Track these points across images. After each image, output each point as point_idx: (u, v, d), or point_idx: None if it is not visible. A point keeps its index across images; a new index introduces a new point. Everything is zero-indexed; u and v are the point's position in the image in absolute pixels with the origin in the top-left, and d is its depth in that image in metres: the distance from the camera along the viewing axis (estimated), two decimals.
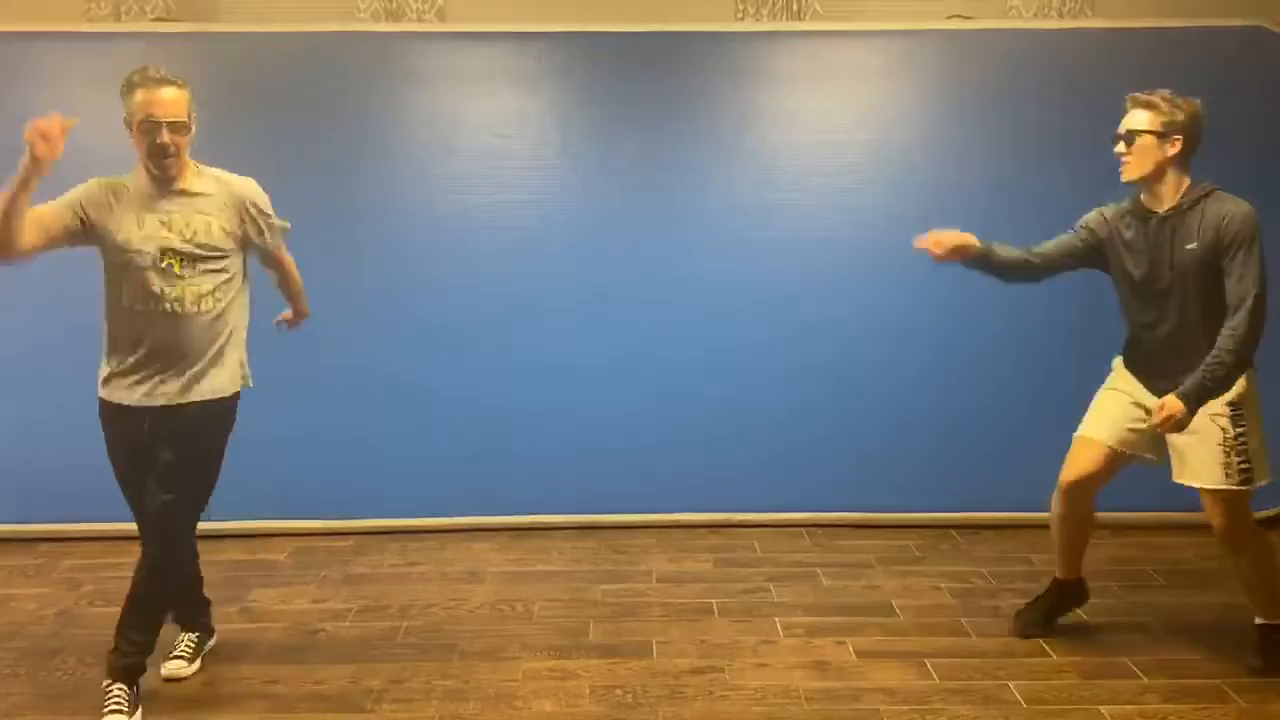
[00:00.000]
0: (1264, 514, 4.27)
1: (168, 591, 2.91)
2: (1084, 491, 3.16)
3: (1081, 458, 3.13)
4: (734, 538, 4.19)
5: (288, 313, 3.26)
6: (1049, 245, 3.16)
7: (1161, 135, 2.89)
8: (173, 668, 3.04)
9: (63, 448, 4.18)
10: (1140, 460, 3.11)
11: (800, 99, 4.24)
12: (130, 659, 2.82)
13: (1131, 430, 3.07)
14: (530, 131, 4.20)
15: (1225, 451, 2.88)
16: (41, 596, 3.65)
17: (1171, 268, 2.89)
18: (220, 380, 2.91)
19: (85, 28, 4.27)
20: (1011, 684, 2.96)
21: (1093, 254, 3.10)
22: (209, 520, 4.17)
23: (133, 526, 4.14)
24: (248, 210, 2.89)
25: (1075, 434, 3.18)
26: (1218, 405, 2.87)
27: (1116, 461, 3.11)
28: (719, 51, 4.24)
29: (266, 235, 2.95)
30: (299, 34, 4.22)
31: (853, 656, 3.14)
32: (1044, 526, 4.15)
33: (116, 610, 3.47)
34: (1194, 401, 2.79)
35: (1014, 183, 4.13)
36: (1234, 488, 2.89)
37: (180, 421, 2.82)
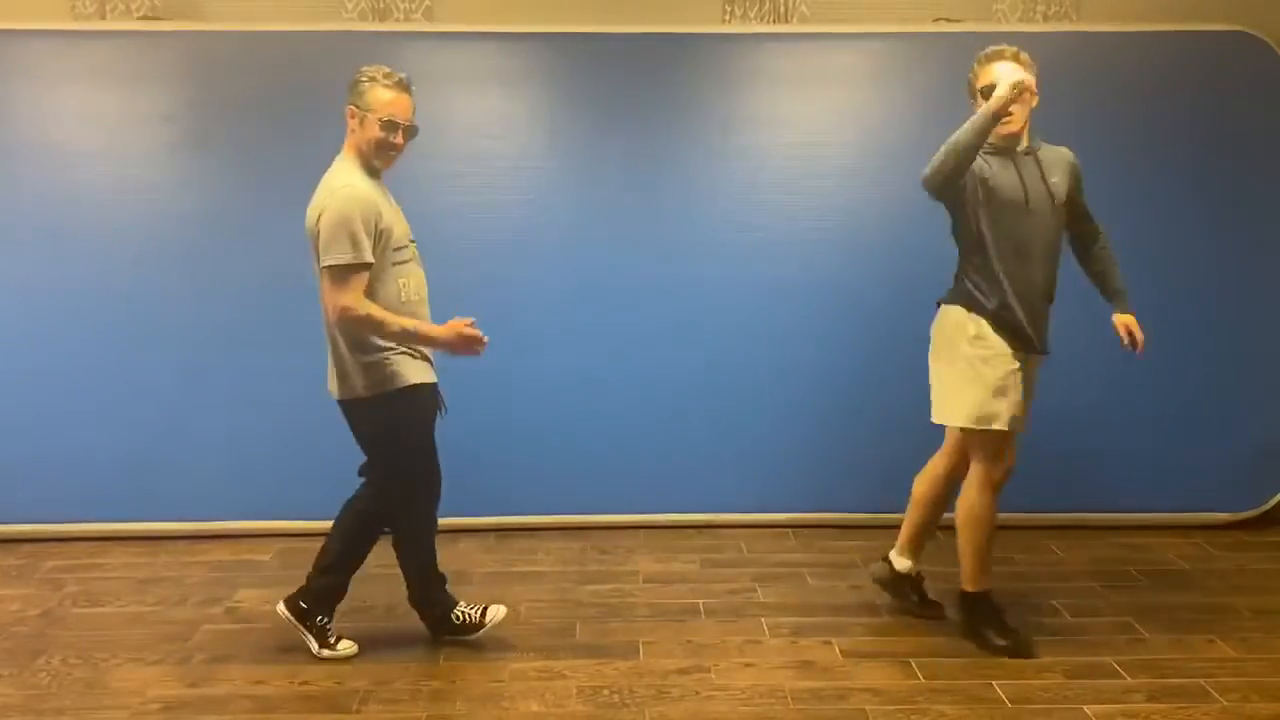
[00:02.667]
0: (1248, 514, 4.33)
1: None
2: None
3: (1012, 454, 3.23)
4: (720, 538, 4.20)
5: None
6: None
7: (1032, 88, 3.05)
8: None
9: (45, 447, 4.16)
10: None
11: (787, 101, 4.25)
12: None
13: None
14: (517, 132, 4.20)
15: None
16: (24, 597, 3.63)
17: (1051, 195, 3.11)
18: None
19: (70, 25, 4.24)
20: (996, 683, 2.97)
21: (961, 179, 3.05)
22: (193, 520, 4.20)
23: (116, 527, 4.16)
24: None
25: (1001, 429, 3.10)
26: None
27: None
28: (706, 53, 4.25)
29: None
30: (285, 33, 4.21)
31: (839, 656, 3.16)
32: (1027, 527, 4.22)
33: (100, 611, 3.50)
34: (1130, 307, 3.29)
35: None
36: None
37: None
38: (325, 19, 4.36)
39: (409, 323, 2.91)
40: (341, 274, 2.83)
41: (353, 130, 2.96)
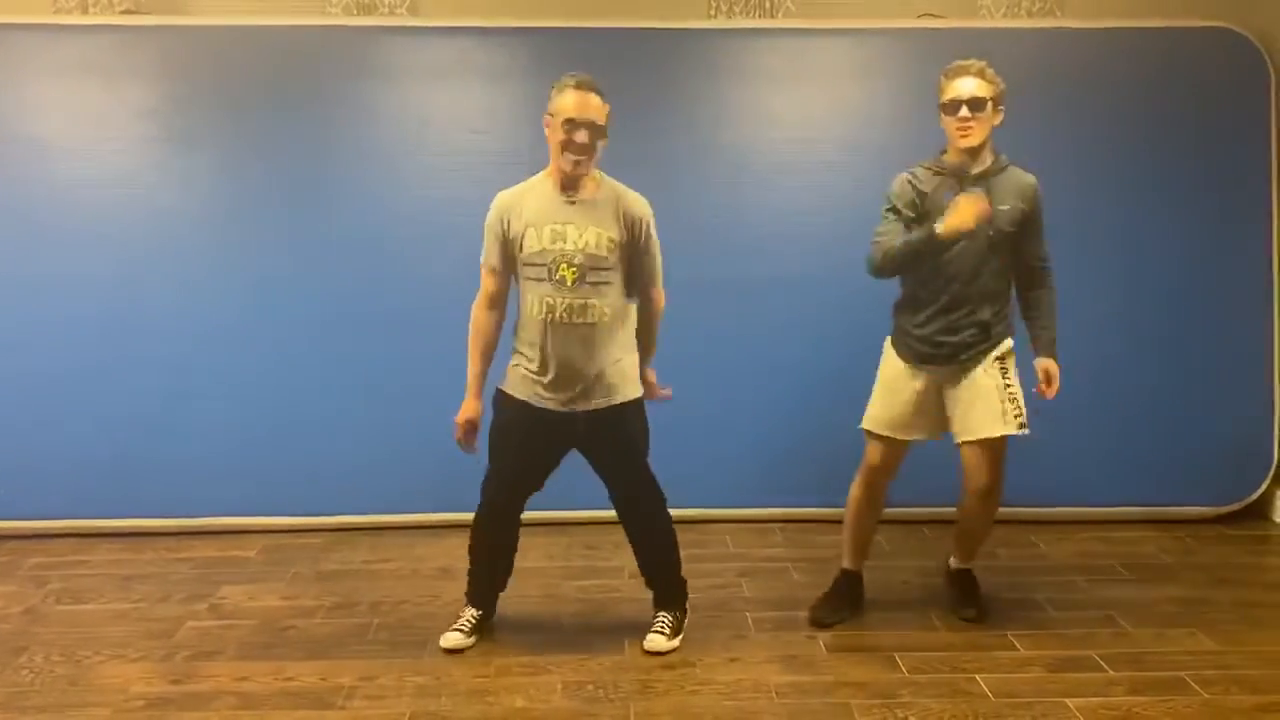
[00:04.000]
0: (1229, 508, 4.35)
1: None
2: (885, 482, 3.35)
3: (883, 452, 3.29)
4: (706, 534, 4.20)
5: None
6: (893, 242, 3.14)
7: (995, 103, 3.07)
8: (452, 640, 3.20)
9: (28, 444, 4.14)
10: (919, 442, 3.29)
11: (773, 96, 4.25)
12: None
13: (915, 417, 3.24)
14: (502, 127, 4.19)
15: (1002, 401, 3.13)
16: (7, 594, 3.61)
17: (990, 226, 3.03)
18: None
19: (52, 20, 4.21)
20: (979, 677, 2.99)
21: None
22: (177, 517, 4.19)
23: (99, 524, 4.14)
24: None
25: (868, 428, 3.30)
26: (989, 362, 3.15)
27: (905, 450, 3.31)
28: (691, 49, 4.25)
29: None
30: (269, 28, 4.19)
31: (823, 651, 3.17)
32: (1011, 522, 4.23)
33: (83, 608, 3.48)
34: (1054, 354, 3.21)
35: None
36: (1015, 432, 3.13)
37: None
38: (309, 13, 4.33)
39: (473, 365, 3.13)
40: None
41: (548, 137, 2.97)
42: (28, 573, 3.82)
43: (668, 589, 3.28)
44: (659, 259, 3.09)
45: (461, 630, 3.20)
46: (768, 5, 4.43)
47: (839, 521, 4.23)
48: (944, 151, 3.17)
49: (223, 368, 4.17)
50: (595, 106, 2.90)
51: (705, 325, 4.26)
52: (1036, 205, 3.14)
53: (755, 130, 4.25)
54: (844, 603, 3.41)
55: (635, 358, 3.12)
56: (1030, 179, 3.14)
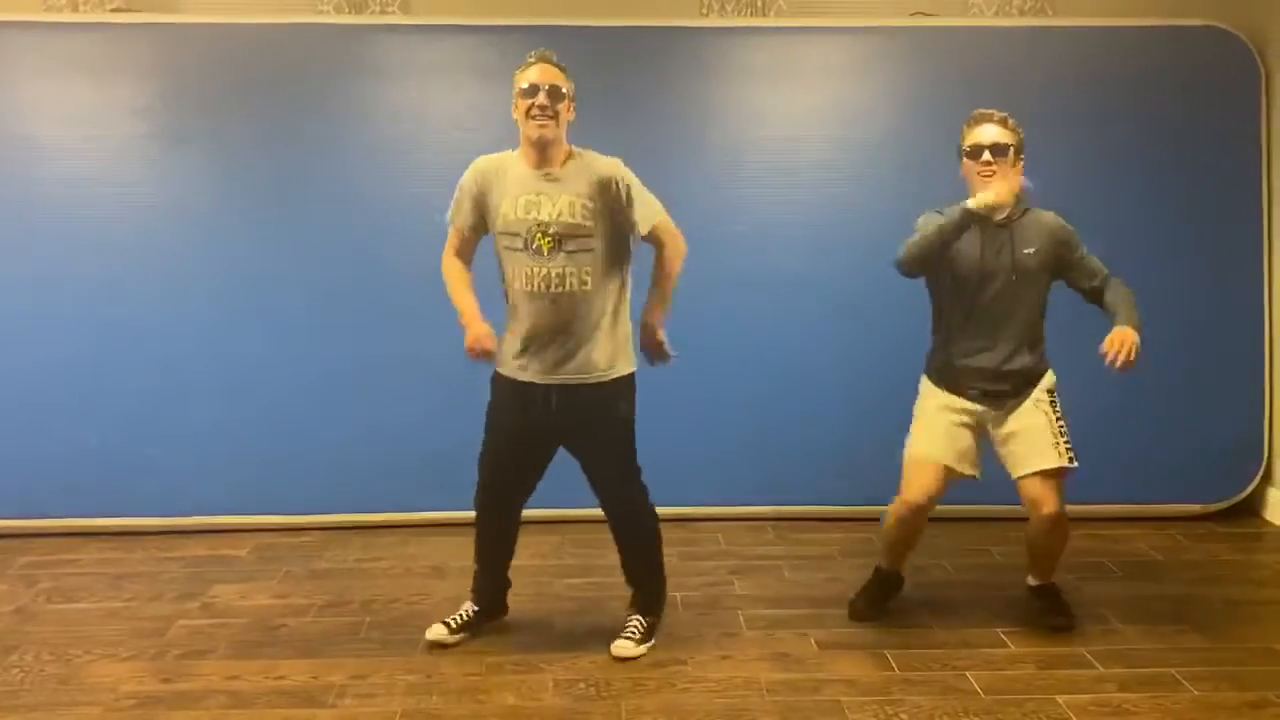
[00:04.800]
0: (1219, 506, 4.37)
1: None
2: (928, 508, 3.23)
3: (926, 479, 3.20)
4: (697, 531, 4.20)
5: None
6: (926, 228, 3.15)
7: (1016, 151, 3.12)
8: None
9: (18, 442, 4.13)
10: (961, 477, 3.23)
11: (764, 95, 4.26)
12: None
13: (961, 447, 3.21)
14: (493, 125, 4.17)
15: (1054, 435, 3.16)
16: None
17: (1013, 269, 3.10)
18: None
19: (43, 17, 4.20)
20: (970, 674, 2.99)
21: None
22: (168, 516, 4.18)
23: (90, 523, 4.13)
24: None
25: (910, 453, 3.24)
26: (1040, 394, 3.19)
27: (950, 478, 3.22)
28: (683, 47, 4.25)
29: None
30: (260, 25, 4.18)
31: (814, 648, 3.17)
32: (1003, 519, 4.23)
33: (75, 607, 3.48)
34: (1138, 329, 3.06)
35: None
36: (1068, 465, 3.14)
37: None
38: (301, 11, 4.33)
39: (462, 300, 3.08)
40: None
41: (516, 120, 3.00)
42: (18, 571, 3.81)
43: (647, 592, 3.26)
44: (654, 204, 3.08)
45: (447, 625, 3.18)
46: (759, 3, 4.43)
47: (831, 519, 4.26)
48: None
49: (214, 365, 4.17)
50: (555, 74, 2.93)
51: (698, 322, 4.24)
52: (1068, 238, 3.17)
53: (747, 128, 4.25)
54: (886, 600, 3.44)
55: (627, 331, 3.10)
56: (1052, 218, 3.17)
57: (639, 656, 3.10)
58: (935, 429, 3.23)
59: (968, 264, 3.12)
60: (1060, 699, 2.85)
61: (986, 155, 3.09)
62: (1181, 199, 4.28)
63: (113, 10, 4.25)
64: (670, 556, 3.90)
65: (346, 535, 4.16)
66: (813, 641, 3.21)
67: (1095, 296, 3.23)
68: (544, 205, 2.93)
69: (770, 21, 4.38)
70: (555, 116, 2.91)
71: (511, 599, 3.51)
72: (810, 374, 4.27)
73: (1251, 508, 4.41)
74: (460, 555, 3.93)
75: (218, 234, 4.16)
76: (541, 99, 2.89)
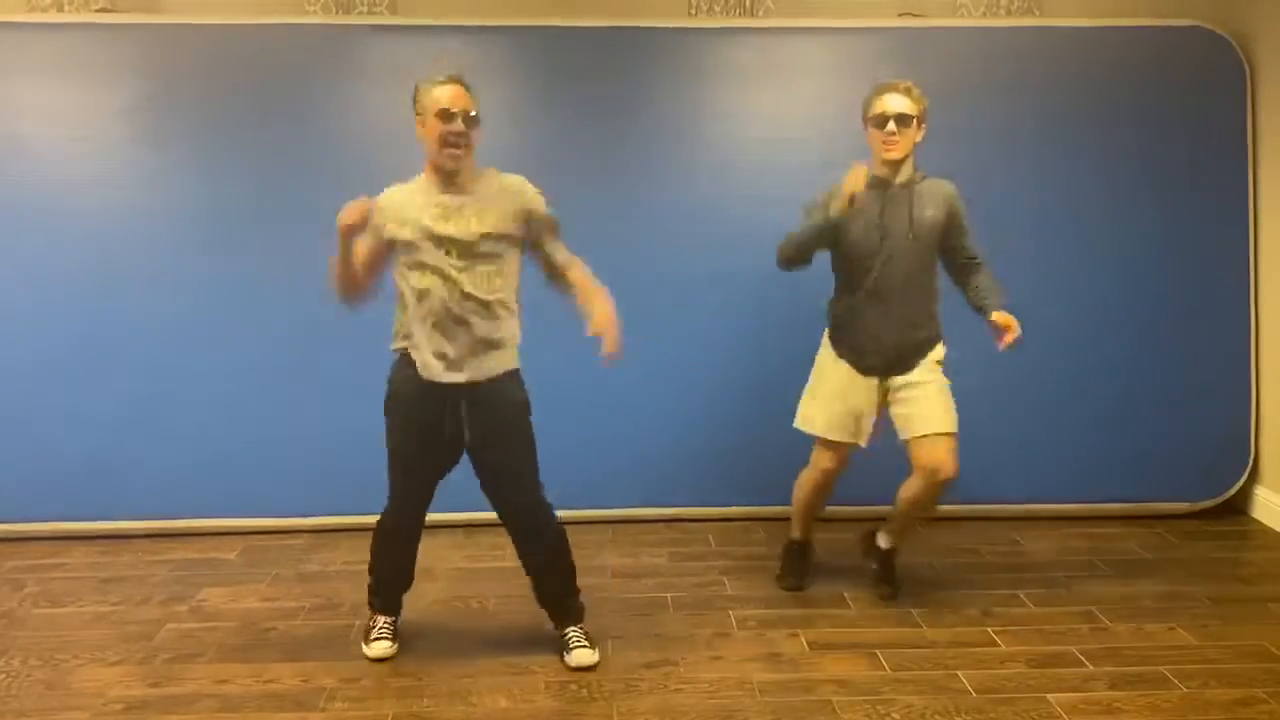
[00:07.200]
0: (1208, 504, 4.39)
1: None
2: (832, 481, 3.51)
3: (830, 457, 3.45)
4: (688, 532, 4.21)
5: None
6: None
7: (919, 121, 3.23)
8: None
9: (4, 446, 4.10)
10: (854, 447, 3.44)
11: (753, 95, 4.26)
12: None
13: (855, 420, 3.38)
14: (481, 127, 4.17)
15: (946, 398, 3.29)
16: None
17: (911, 230, 3.22)
18: None
19: (27, 18, 4.17)
20: (961, 673, 3.00)
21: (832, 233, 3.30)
22: (157, 519, 4.16)
23: (77, 526, 4.10)
24: None
25: (813, 425, 3.43)
26: (931, 362, 3.32)
27: (850, 451, 3.45)
28: (672, 47, 4.25)
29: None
30: (247, 26, 4.16)
31: (805, 648, 3.17)
32: (991, 519, 4.26)
33: (61, 611, 3.46)
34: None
35: (962, 176, 4.16)
36: (955, 430, 3.28)
37: None
38: (288, 11, 4.31)
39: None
40: None
41: (420, 139, 2.94)
42: (4, 576, 3.78)
43: (570, 605, 3.17)
44: (555, 223, 3.06)
45: (385, 637, 3.14)
46: (748, 4, 4.43)
47: (820, 519, 4.25)
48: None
49: (201, 368, 4.15)
50: (469, 98, 2.89)
51: (686, 322, 4.26)
52: (958, 207, 3.31)
53: (735, 129, 4.25)
54: (808, 567, 3.70)
55: (518, 339, 3.05)
56: (948, 186, 3.31)
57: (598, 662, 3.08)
58: (833, 404, 3.38)
59: (860, 230, 3.24)
60: (1051, 697, 2.86)
61: (891, 125, 3.18)
62: (1168, 198, 4.30)
63: (98, 10, 4.23)
64: (660, 557, 3.94)
65: (335, 538, 4.14)
66: (804, 641, 3.22)
67: (966, 273, 3.38)
68: (451, 219, 2.89)
69: (759, 22, 4.38)
70: (468, 143, 2.89)
71: (503, 600, 3.52)
72: (798, 374, 4.26)
73: (1239, 505, 4.44)
74: (450, 556, 3.93)
75: (205, 235, 4.14)
76: (458, 125, 2.86)
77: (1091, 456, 4.34)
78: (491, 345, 2.95)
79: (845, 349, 3.37)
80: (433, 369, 2.92)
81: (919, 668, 3.04)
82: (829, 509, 4.30)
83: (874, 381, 3.35)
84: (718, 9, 4.42)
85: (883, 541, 3.57)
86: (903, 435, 3.32)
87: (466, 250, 2.88)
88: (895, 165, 3.24)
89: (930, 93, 4.20)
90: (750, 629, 3.31)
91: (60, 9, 4.23)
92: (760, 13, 4.43)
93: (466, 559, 3.92)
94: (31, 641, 3.24)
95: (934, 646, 3.17)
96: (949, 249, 3.35)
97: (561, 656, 3.09)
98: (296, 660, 3.11)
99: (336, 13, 4.32)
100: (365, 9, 4.34)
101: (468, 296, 2.88)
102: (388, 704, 2.84)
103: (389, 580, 3.21)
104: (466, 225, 2.89)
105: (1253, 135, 4.31)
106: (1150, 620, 3.36)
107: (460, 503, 4.21)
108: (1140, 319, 4.32)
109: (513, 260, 2.99)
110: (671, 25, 4.29)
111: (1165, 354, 4.33)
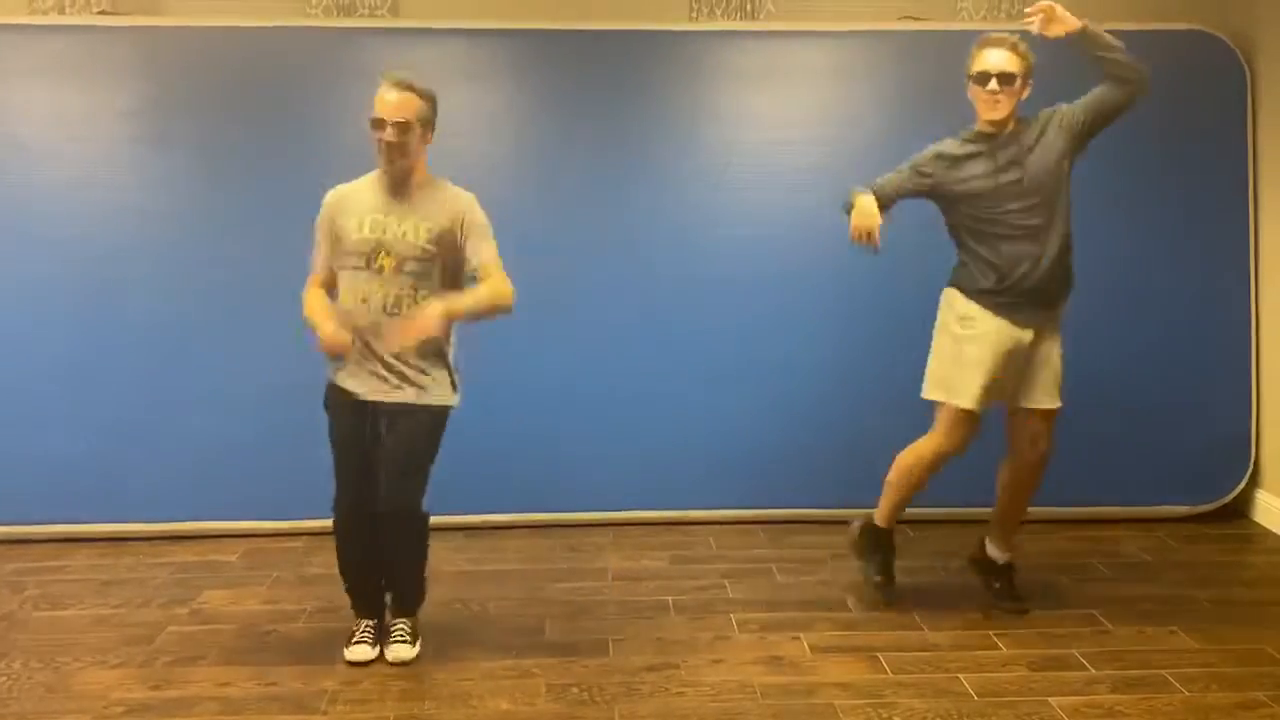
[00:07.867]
0: (1208, 507, 4.39)
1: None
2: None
3: (968, 430, 3.25)
4: (689, 535, 4.20)
5: None
6: (888, 184, 3.30)
7: (1024, 79, 3.15)
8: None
9: (5, 448, 4.10)
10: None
11: (754, 98, 4.26)
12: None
13: (1000, 381, 3.21)
14: (483, 130, 4.18)
15: (1060, 376, 3.25)
16: None
17: (1024, 169, 3.13)
18: None
19: (28, 20, 4.18)
20: (962, 676, 3.00)
21: (927, 193, 3.27)
22: (158, 522, 4.15)
23: (78, 529, 4.10)
24: None
25: (955, 403, 3.22)
26: (1055, 337, 3.24)
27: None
28: (673, 51, 4.25)
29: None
30: (248, 29, 4.16)
31: (807, 651, 3.17)
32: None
33: (62, 613, 3.45)
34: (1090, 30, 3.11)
35: None
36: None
37: None
38: (289, 14, 4.31)
39: (315, 312, 3.02)
40: None
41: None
42: (5, 578, 3.77)
43: (409, 592, 3.22)
44: (491, 248, 3.06)
45: (365, 641, 3.13)
46: (749, 7, 4.44)
47: (822, 522, 4.26)
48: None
49: (202, 371, 4.14)
50: (403, 104, 2.92)
51: (685, 325, 4.26)
52: (1059, 112, 3.21)
53: (736, 132, 4.25)
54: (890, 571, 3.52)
55: (449, 361, 3.09)
56: (1045, 112, 3.21)
57: (416, 658, 3.09)
58: (986, 367, 3.17)
59: (979, 184, 3.15)
60: (1052, 700, 2.86)
61: (994, 84, 3.10)
62: (1169, 202, 4.31)
63: (99, 13, 4.23)
64: (661, 560, 3.93)
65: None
66: (805, 644, 3.22)
67: (1101, 93, 3.20)
68: (390, 225, 2.96)
69: (759, 25, 4.39)
70: (405, 151, 2.94)
71: (503, 602, 3.51)
72: (802, 377, 4.27)
73: (1240, 509, 4.43)
74: (450, 559, 3.92)
75: (205, 237, 4.13)
76: (389, 135, 2.91)
77: (1092, 460, 4.33)
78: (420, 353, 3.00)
79: (996, 306, 3.18)
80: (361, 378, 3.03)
81: (920, 671, 3.04)
82: (831, 511, 4.31)
83: (1030, 335, 3.19)
84: (719, 12, 4.43)
85: (996, 554, 3.47)
86: (1019, 401, 3.23)
87: (399, 256, 2.95)
88: (999, 124, 3.15)
89: (930, 96, 4.21)
90: (752, 632, 3.31)
91: (61, 11, 4.23)
92: (761, 15, 4.44)
93: (466, 561, 3.92)
94: (32, 644, 3.23)
95: (935, 649, 3.17)
96: (1092, 120, 3.18)
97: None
98: (298, 663, 3.10)
99: (338, 15, 4.32)
100: (366, 11, 4.34)
101: (396, 303, 2.96)
102: (389, 707, 2.84)
103: (354, 580, 3.21)
104: (402, 232, 2.95)
105: (1253, 138, 4.32)
106: (1151, 623, 3.36)
107: (460, 506, 4.23)
108: (1140, 322, 4.32)
109: (444, 271, 3.04)
110: (673, 28, 4.30)
111: (1165, 357, 4.33)
